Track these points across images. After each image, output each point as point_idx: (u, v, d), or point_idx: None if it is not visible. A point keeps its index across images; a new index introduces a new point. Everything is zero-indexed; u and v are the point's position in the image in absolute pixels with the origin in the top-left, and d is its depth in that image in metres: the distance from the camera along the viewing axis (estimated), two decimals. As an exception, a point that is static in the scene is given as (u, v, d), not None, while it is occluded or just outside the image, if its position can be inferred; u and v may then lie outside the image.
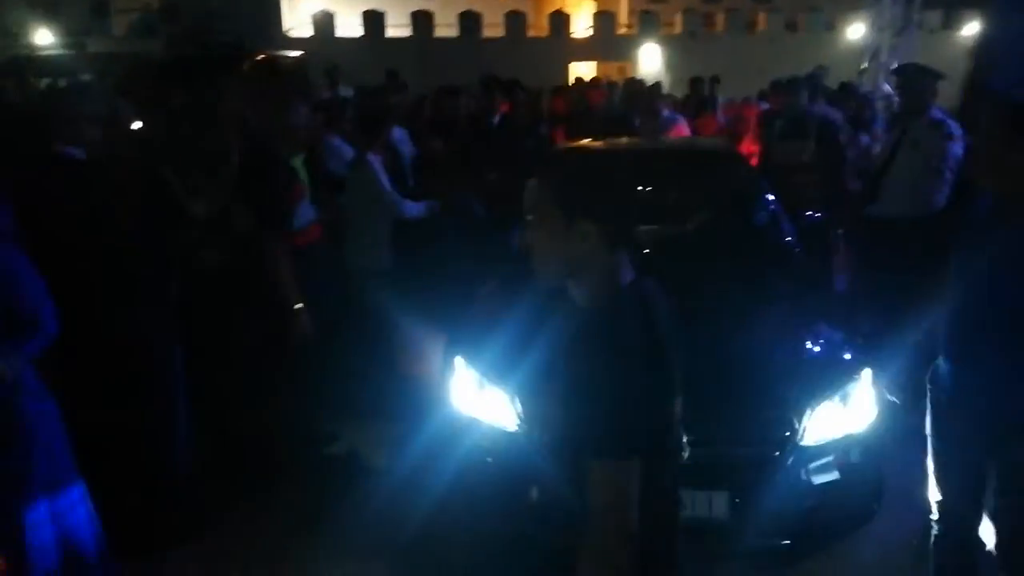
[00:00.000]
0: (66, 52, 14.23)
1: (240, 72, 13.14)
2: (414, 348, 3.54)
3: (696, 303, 2.94)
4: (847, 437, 2.61)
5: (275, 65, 14.14)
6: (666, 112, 5.82)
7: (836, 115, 5.80)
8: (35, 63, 13.59)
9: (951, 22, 21.47)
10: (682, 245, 3.63)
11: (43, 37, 16.47)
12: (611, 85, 8.94)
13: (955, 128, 4.02)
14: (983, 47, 5.57)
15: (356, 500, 3.25)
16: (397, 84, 10.17)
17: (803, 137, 5.08)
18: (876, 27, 8.65)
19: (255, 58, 14.04)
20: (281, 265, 3.25)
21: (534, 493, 2.66)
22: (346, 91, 10.65)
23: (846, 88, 7.58)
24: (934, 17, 22.27)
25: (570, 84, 8.46)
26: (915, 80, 4.11)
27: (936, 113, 4.11)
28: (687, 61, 18.93)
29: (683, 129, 5.68)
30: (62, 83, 11.45)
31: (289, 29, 19.91)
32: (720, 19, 22.41)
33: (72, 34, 16.67)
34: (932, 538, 2.34)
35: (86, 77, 12.58)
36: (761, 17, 22.65)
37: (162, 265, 3.08)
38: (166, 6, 18.45)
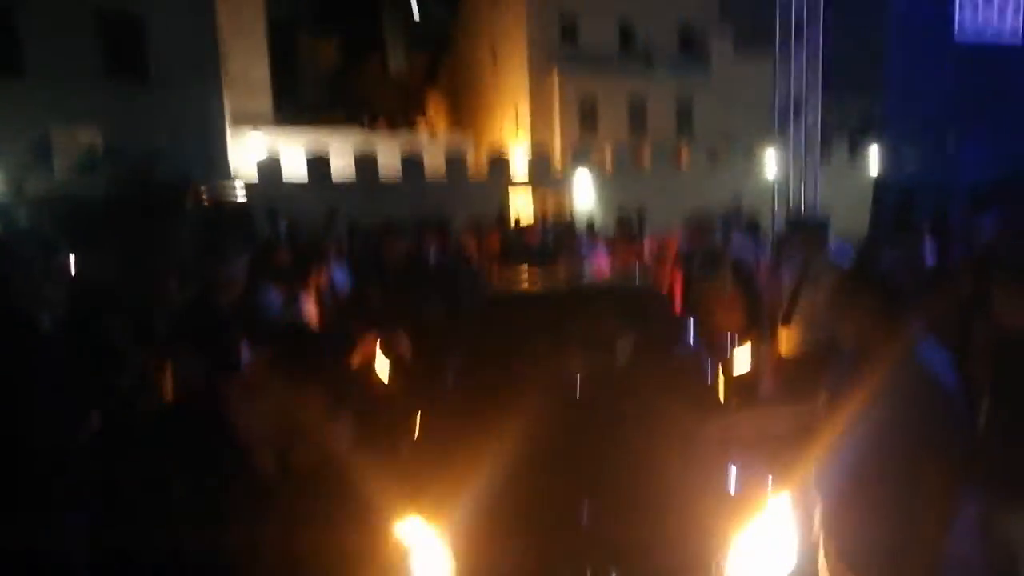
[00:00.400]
0: (3, 196, 14.20)
1: (183, 215, 13.32)
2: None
3: (618, 439, 3.07)
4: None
5: (219, 210, 14.44)
6: (584, 247, 6.19)
7: (750, 250, 6.22)
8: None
9: (856, 154, 23.46)
10: (606, 379, 3.77)
11: (-20, 179, 16.45)
12: (544, 220, 9.38)
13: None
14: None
15: None
16: (336, 223, 10.46)
17: (718, 273, 5.42)
18: (781, 160, 9.48)
19: (199, 201, 14.36)
20: (240, 411, 3.25)
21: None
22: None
23: (751, 224, 8.20)
24: (841, 149, 24.35)
25: (507, 222, 8.86)
26: (808, 230, 4.53)
27: (832, 249, 4.49)
28: (616, 192, 20.07)
29: (602, 259, 5.98)
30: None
31: (235, 171, 20.40)
32: (646, 152, 23.99)
33: (10, 177, 16.72)
34: None
35: (23, 223, 12.57)
36: (684, 151, 24.33)
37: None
38: (109, 147, 18.77)
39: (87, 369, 3.38)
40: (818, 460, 2.36)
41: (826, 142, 25.05)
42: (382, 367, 4.28)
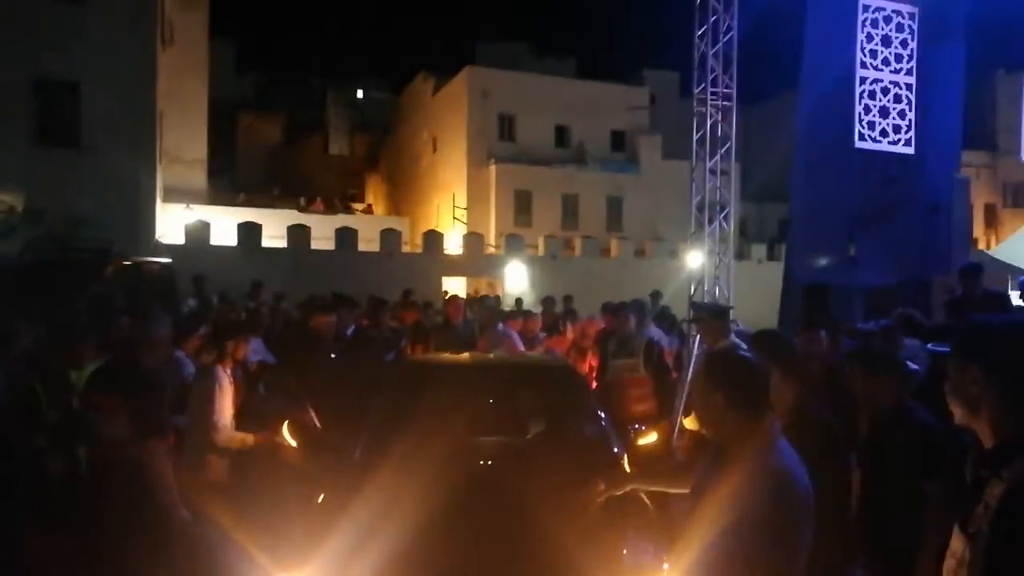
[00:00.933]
0: (-91, 252, 13.52)
1: (102, 278, 12.95)
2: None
3: (518, 512, 3.11)
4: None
5: (140, 272, 14.07)
6: (500, 327, 6.35)
7: (662, 336, 6.50)
8: None
9: (774, 254, 24.76)
10: (514, 452, 3.84)
11: None
12: (470, 300, 9.53)
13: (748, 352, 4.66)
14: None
15: None
16: (259, 294, 10.36)
17: (632, 356, 5.65)
18: (701, 258, 10.03)
19: (119, 264, 13.99)
20: (163, 472, 3.19)
21: None
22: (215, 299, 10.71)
23: (664, 313, 8.56)
24: (760, 250, 25.71)
25: (410, 300, 8.95)
26: (708, 319, 4.83)
27: (733, 339, 4.77)
28: (548, 280, 20.53)
29: (515, 343, 6.13)
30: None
31: (161, 236, 20.02)
32: (577, 243, 24.78)
33: (-77, 234, 15.99)
34: None
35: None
36: (614, 243, 25.23)
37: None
38: (30, 210, 18.23)
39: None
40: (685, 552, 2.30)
41: (745, 244, 26.57)
42: (291, 440, 4.24)
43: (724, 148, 9.05)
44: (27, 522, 3.19)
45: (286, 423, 3.95)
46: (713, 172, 9.02)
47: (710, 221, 9.16)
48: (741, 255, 25.14)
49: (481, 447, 3.79)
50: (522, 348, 6.23)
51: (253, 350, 5.53)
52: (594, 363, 6.48)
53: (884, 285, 8.78)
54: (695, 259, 13.43)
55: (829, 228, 9.37)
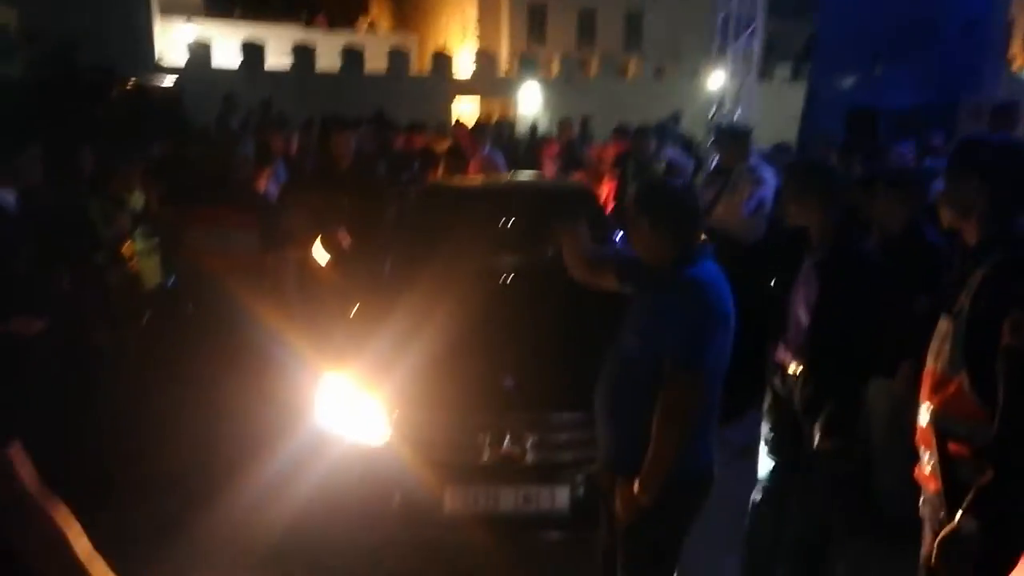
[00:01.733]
0: (-90, 72, 13.25)
1: (108, 102, 12.72)
2: (283, 369, 3.72)
3: (540, 323, 3.32)
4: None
5: (145, 95, 13.78)
6: (487, 150, 6.37)
7: (685, 160, 6.47)
8: None
9: (799, 75, 23.77)
10: (535, 272, 4.00)
11: None
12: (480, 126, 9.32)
13: (767, 173, 4.69)
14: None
15: (217, 512, 3.33)
16: (269, 115, 10.16)
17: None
18: (724, 79, 9.64)
19: (124, 87, 13.71)
20: (285, 277, 3.62)
21: (397, 499, 2.92)
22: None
23: (680, 135, 8.43)
24: (784, 70, 24.61)
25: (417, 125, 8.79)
26: (726, 140, 4.78)
27: (752, 160, 4.77)
28: (563, 102, 19.96)
29: (500, 167, 6.12)
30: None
31: (160, 57, 19.35)
32: (594, 64, 23.77)
33: (-83, 53, 15.53)
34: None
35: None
36: (632, 63, 24.21)
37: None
38: (26, 29, 17.53)
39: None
40: None
41: (769, 63, 25.36)
42: (322, 258, 4.41)
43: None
44: (91, 325, 3.49)
45: (318, 239, 4.09)
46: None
47: (735, 38, 8.75)
48: (765, 75, 24.12)
49: (502, 264, 3.95)
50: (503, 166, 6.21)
51: (278, 172, 5.60)
52: (611, 187, 6.51)
53: (910, 106, 8.54)
54: (717, 80, 12.99)
55: (856, 46, 8.95)
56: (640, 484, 2.21)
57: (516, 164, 7.58)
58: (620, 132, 6.33)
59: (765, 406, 2.98)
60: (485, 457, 2.88)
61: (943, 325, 1.95)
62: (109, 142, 5.24)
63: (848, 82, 9.14)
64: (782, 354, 2.86)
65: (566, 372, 2.98)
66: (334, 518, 3.02)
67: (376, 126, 7.28)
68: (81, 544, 1.50)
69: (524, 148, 10.21)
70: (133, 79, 14.34)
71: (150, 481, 3.65)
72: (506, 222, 4.37)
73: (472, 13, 26.52)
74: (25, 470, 1.43)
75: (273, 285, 3.70)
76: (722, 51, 9.06)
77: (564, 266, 2.74)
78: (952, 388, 1.91)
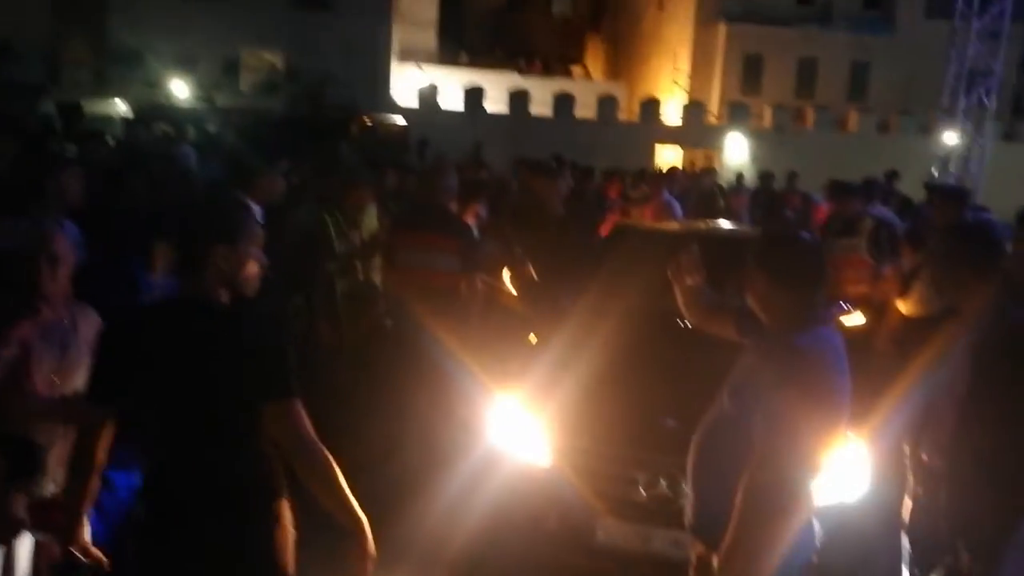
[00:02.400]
0: (198, 104, 15.86)
1: (349, 134, 14.36)
2: (462, 386, 4.01)
3: (719, 371, 3.31)
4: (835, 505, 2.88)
5: (378, 131, 15.35)
6: (666, 196, 6.38)
7: (892, 218, 6.05)
8: (168, 112, 15.23)
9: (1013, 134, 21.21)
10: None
11: (179, 89, 18.40)
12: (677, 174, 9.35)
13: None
14: None
15: (397, 524, 3.61)
16: (480, 156, 10.87)
17: (854, 235, 5.39)
18: (955, 136, 8.85)
19: (363, 123, 15.34)
20: (475, 298, 4.09)
21: (553, 522, 3.05)
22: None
23: (904, 199, 7.86)
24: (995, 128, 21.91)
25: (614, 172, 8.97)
26: (938, 200, 4.43)
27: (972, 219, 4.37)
28: (773, 154, 19.30)
29: (676, 213, 6.12)
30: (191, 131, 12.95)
31: (395, 98, 21.46)
32: (810, 115, 22.73)
33: (204, 88, 18.55)
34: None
35: (212, 128, 14.07)
36: (853, 116, 22.84)
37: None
38: (289, 68, 20.35)
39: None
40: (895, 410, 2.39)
41: (1017, 122, 22.71)
42: (510, 288, 4.72)
43: (998, 6, 7.75)
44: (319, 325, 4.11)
45: (507, 270, 4.39)
46: (981, 35, 7.81)
47: (967, 93, 8.05)
48: (1011, 135, 21.64)
49: (678, 307, 3.99)
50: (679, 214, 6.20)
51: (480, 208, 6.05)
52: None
53: None
54: (949, 137, 11.93)
55: None
56: (720, 566, 2.06)
57: (715, 213, 7.54)
58: (834, 190, 6.08)
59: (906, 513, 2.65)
60: (641, 495, 2.93)
61: None
62: (348, 169, 6.01)
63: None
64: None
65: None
66: (498, 533, 3.21)
67: (571, 170, 7.60)
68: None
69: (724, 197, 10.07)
70: (370, 117, 16.09)
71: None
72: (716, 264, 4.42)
73: (684, 62, 26.54)
74: (306, 419, 1.85)
75: (465, 306, 4.02)
76: (954, 106, 8.35)
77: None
78: None
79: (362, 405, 4.28)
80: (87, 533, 1.99)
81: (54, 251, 2.22)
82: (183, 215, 1.94)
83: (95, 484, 1.96)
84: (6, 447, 2.02)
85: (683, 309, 2.57)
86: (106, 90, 17.56)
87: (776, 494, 1.93)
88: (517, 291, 4.59)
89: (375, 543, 1.90)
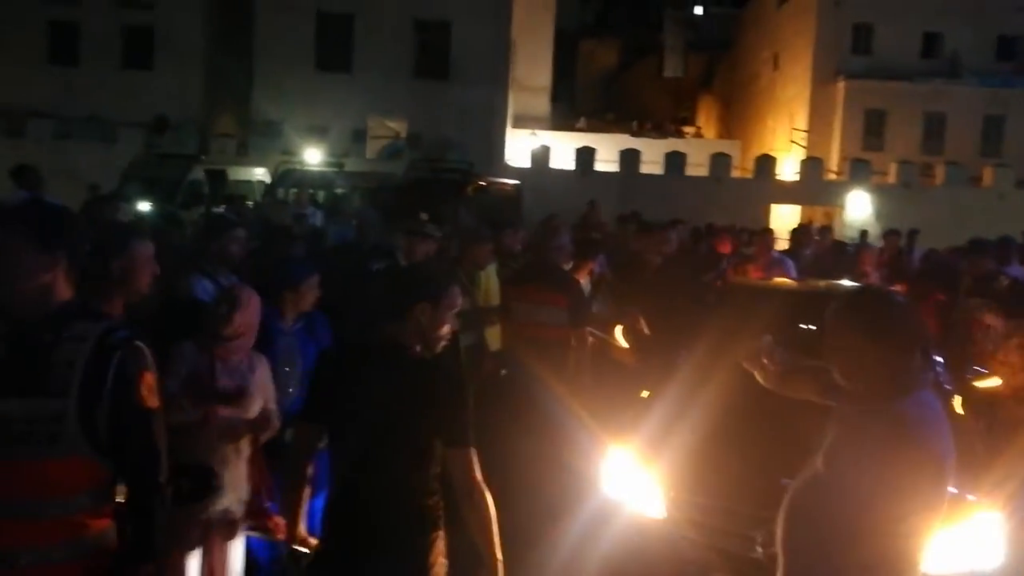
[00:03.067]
0: (329, 169, 17.05)
1: (465, 196, 14.95)
2: (573, 437, 4.09)
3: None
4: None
5: (493, 192, 15.89)
6: (775, 254, 6.34)
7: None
8: (306, 176, 16.48)
9: None
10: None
11: (312, 155, 19.90)
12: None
13: None
14: None
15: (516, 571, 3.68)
16: (594, 211, 11.07)
17: (987, 295, 5.14)
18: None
19: (477, 184, 16.03)
20: (583, 353, 4.25)
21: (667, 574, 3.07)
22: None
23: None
24: None
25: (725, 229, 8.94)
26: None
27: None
28: (899, 211, 18.48)
29: (788, 271, 6.10)
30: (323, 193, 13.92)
31: (509, 159, 22.23)
32: (939, 171, 21.66)
33: (334, 155, 19.97)
34: None
35: (341, 189, 15.11)
36: (987, 171, 21.58)
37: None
38: (411, 135, 21.62)
39: None
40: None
41: None
42: (623, 342, 4.81)
43: None
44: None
45: (619, 327, 4.50)
46: None
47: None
48: None
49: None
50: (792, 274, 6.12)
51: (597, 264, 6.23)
52: (940, 297, 6.00)
53: None
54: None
55: None
56: None
57: (835, 272, 7.36)
58: (970, 249, 5.85)
59: None
60: (758, 553, 2.90)
61: None
62: (466, 228, 6.34)
63: None
64: None
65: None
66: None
67: (685, 229, 7.67)
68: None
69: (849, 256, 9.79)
70: (485, 179, 16.75)
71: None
72: (806, 324, 4.36)
73: (801, 119, 26.05)
74: (477, 465, 2.13)
75: (576, 359, 4.15)
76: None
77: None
78: None
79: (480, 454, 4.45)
80: (303, 528, 2.34)
81: (235, 301, 2.61)
82: (395, 272, 2.29)
83: (306, 490, 2.31)
84: (188, 473, 2.34)
85: (759, 376, 2.47)
86: (249, 159, 19.26)
87: (887, 568, 1.86)
88: (631, 345, 4.68)
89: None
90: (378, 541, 2.10)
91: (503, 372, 4.71)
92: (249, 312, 2.72)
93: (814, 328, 4.45)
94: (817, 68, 25.40)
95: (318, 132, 20.39)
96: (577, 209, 13.46)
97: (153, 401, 1.67)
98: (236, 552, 2.82)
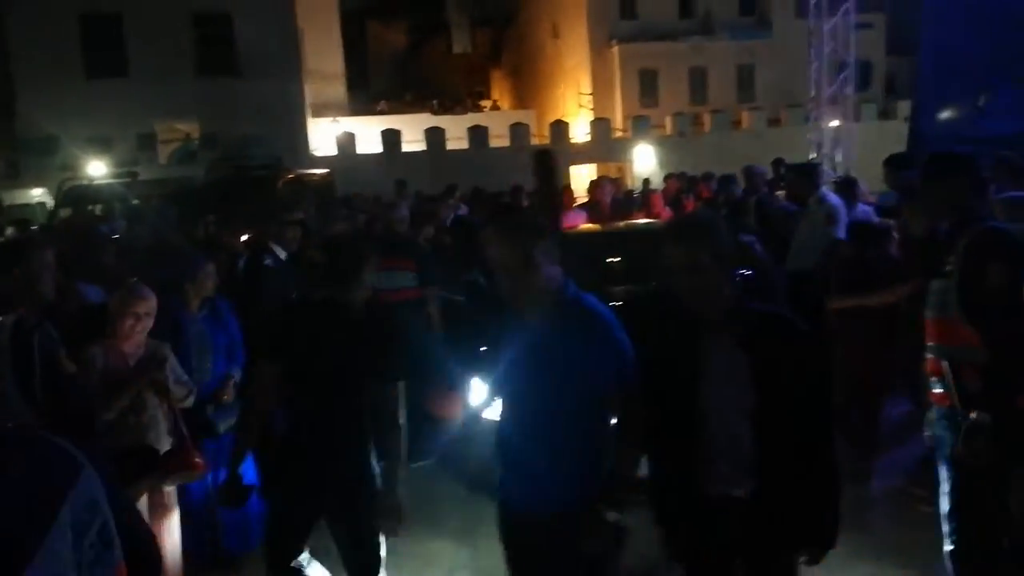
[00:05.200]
0: (120, 180, 16.03)
1: (276, 191, 14.70)
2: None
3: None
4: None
5: (304, 183, 15.82)
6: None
7: (776, 201, 7.03)
8: (92, 191, 15.39)
9: (889, 112, 23.39)
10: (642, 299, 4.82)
11: (96, 169, 18.50)
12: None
13: (832, 205, 5.25)
14: None
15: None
16: (404, 192, 11.62)
17: (741, 217, 6.33)
18: (837, 120, 10.08)
19: (287, 177, 15.85)
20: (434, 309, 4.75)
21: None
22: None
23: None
24: (906, 107, 24.12)
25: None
26: (791, 177, 5.41)
27: (821, 194, 5.34)
28: (677, 158, 20.67)
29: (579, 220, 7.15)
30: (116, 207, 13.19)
31: (315, 149, 21.99)
32: (707, 119, 24.39)
33: (122, 165, 18.69)
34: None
35: (135, 202, 14.33)
36: (745, 115, 24.61)
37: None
38: (205, 136, 20.69)
39: None
40: None
41: (891, 101, 24.88)
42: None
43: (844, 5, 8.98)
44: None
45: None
46: (836, 32, 9.02)
47: (830, 84, 9.26)
48: (887, 114, 23.73)
49: (611, 293, 4.80)
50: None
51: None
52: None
53: (1011, 133, 8.64)
54: (829, 123, 13.30)
55: (959, 77, 9.13)
56: None
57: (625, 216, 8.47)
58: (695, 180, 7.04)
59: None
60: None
61: (936, 285, 2.61)
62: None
63: (951, 114, 9.34)
64: None
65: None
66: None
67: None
68: None
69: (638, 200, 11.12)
70: (293, 171, 16.58)
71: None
72: (607, 258, 5.25)
73: (586, 84, 28.02)
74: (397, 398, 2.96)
75: (429, 313, 4.73)
76: (820, 97, 9.57)
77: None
78: (952, 327, 2.58)
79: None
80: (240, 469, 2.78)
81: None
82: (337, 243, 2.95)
83: (256, 427, 2.79)
84: (134, 455, 2.69)
85: None
86: (22, 180, 17.57)
87: None
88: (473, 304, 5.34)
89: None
90: (328, 450, 2.67)
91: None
92: (140, 305, 3.03)
93: (619, 259, 5.41)
94: (592, 35, 27.43)
95: (100, 143, 18.95)
96: (387, 188, 13.85)
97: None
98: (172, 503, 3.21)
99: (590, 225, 6.89)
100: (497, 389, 2.55)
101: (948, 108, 9.12)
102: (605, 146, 23.17)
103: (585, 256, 5.18)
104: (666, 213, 8.18)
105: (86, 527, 0.89)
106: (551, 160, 5.02)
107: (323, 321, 2.69)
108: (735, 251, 2.11)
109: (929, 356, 2.68)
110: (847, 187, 5.60)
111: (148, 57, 20.42)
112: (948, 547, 2.65)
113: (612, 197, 9.41)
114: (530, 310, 2.25)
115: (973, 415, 2.46)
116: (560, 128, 23.16)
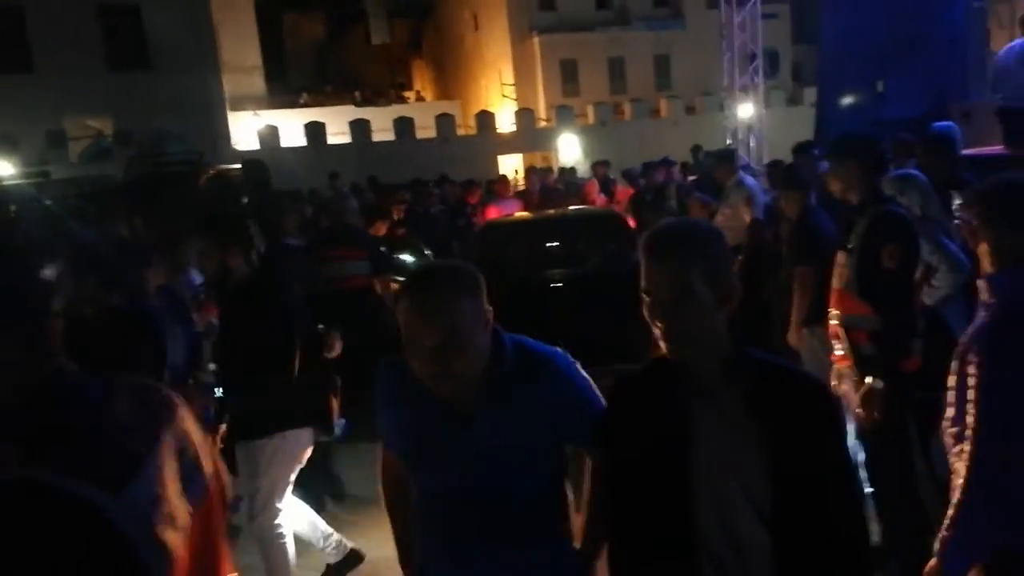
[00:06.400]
0: (30, 180, 15.34)
1: (198, 187, 14.45)
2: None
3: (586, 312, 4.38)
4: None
5: (228, 178, 15.51)
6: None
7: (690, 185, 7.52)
8: (3, 193, 14.67)
9: (796, 98, 24.75)
10: (577, 283, 5.12)
11: (3, 169, 17.60)
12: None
13: (749, 188, 5.71)
14: None
15: None
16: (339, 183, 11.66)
17: (663, 203, 6.75)
18: (750, 109, 10.67)
19: (209, 174, 15.52)
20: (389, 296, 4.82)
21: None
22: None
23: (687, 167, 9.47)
24: (812, 94, 25.39)
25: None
26: (712, 162, 5.84)
27: (739, 177, 5.79)
28: (600, 147, 21.20)
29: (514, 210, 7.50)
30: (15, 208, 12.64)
31: (236, 143, 21.51)
32: (627, 108, 25.08)
33: (31, 164, 17.84)
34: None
35: (48, 202, 13.76)
36: (663, 103, 25.41)
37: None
38: (119, 132, 19.92)
39: None
40: None
41: (798, 88, 26.19)
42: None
43: None
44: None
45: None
46: (745, 23, 9.54)
47: (741, 73, 9.82)
48: (795, 100, 24.97)
49: (550, 276, 5.10)
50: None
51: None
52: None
53: (909, 116, 9.39)
54: (745, 110, 14.00)
55: (858, 64, 9.84)
56: None
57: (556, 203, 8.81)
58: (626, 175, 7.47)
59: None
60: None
61: (841, 258, 2.97)
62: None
63: (852, 99, 10.05)
64: None
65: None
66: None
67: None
68: None
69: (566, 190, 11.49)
70: (214, 167, 16.21)
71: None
72: (553, 243, 5.58)
73: (508, 74, 28.30)
74: None
75: (383, 302, 4.89)
76: (732, 85, 10.13)
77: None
78: (851, 298, 2.92)
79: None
80: None
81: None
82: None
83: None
84: None
85: None
86: (-82, 183, 16.54)
87: None
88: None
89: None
90: None
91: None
92: None
93: (558, 244, 5.72)
94: (513, 27, 27.74)
95: (6, 142, 18.04)
96: (314, 182, 13.79)
97: None
98: None
99: (524, 213, 7.20)
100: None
101: (849, 93, 9.83)
102: (530, 136, 23.53)
103: (526, 243, 5.50)
104: (601, 200, 8.51)
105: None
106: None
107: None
108: (735, 279, 1.43)
109: (832, 322, 3.04)
110: (775, 170, 6.06)
111: (53, 52, 19.53)
112: (868, 489, 2.97)
113: (541, 184, 9.74)
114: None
115: (868, 380, 2.79)
116: (486, 118, 23.38)
